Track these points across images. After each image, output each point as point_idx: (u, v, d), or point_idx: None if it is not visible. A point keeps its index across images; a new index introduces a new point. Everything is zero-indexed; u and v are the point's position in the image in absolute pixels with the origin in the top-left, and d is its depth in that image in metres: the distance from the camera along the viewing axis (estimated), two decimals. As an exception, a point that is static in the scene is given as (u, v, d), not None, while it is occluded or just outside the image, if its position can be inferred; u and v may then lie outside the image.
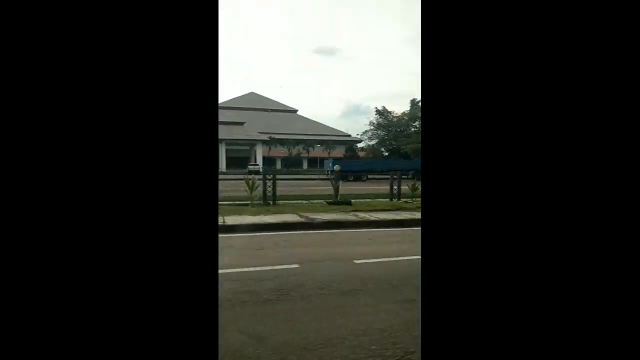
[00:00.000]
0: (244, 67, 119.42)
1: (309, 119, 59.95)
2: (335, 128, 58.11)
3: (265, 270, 4.01)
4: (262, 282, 3.56)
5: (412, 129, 43.85)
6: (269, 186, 9.83)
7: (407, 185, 10.89)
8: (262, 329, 2.59)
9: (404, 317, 2.80)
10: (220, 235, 4.55)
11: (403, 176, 12.75)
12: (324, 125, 58.41)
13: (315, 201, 10.13)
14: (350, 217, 7.55)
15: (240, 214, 7.59)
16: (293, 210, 8.28)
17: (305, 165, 49.37)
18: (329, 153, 48.48)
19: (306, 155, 48.89)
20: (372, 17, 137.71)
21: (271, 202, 9.52)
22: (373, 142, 48.13)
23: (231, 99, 61.58)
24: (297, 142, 48.51)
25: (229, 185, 13.72)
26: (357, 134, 51.26)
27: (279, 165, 47.91)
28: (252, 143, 45.07)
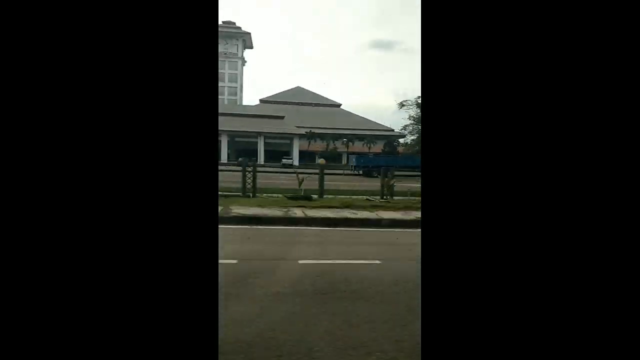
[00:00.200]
0: (298, 60, 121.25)
1: (352, 114, 59.38)
2: (381, 123, 56.95)
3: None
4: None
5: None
6: (249, 178, 9.92)
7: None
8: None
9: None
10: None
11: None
12: (367, 119, 57.53)
13: (279, 195, 9.94)
14: (278, 212, 7.27)
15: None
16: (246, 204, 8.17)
17: (344, 160, 49.01)
18: (369, 148, 47.92)
19: (345, 149, 48.47)
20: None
21: (250, 195, 9.62)
22: (413, 137, 46.63)
23: (275, 94, 62.85)
24: (338, 136, 48.26)
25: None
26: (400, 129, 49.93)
27: (317, 160, 47.96)
28: (290, 137, 45.47)
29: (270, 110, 49.93)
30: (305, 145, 47.07)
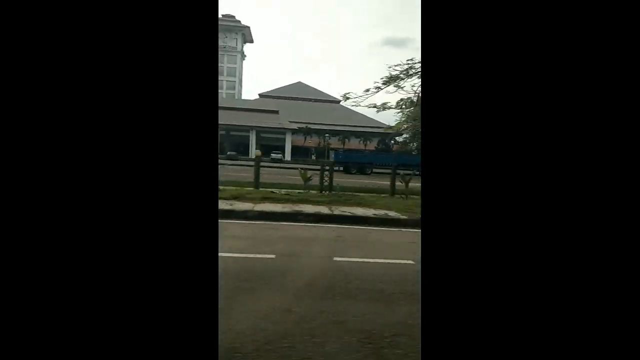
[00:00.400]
0: (299, 57, 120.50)
1: (351, 110, 58.67)
2: (379, 120, 56.25)
3: None
4: None
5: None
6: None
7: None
8: None
9: None
10: None
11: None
12: (365, 116, 56.77)
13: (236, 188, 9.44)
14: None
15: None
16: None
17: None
18: (365, 145, 47.43)
19: (341, 146, 47.94)
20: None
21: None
22: (406, 135, 45.85)
23: (275, 89, 62.33)
24: (335, 132, 47.71)
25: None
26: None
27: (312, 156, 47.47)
28: (283, 132, 45.05)
29: (269, 105, 49.42)
30: (301, 140, 46.72)
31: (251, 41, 73.81)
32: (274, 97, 56.93)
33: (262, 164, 10.07)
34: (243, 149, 42.44)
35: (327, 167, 10.65)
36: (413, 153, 30.49)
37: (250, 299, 2.91)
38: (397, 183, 10.41)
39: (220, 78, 62.21)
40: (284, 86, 63.61)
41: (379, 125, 54.98)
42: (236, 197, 7.54)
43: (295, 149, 45.85)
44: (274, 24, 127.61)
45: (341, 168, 26.36)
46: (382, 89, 10.95)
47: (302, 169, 11.04)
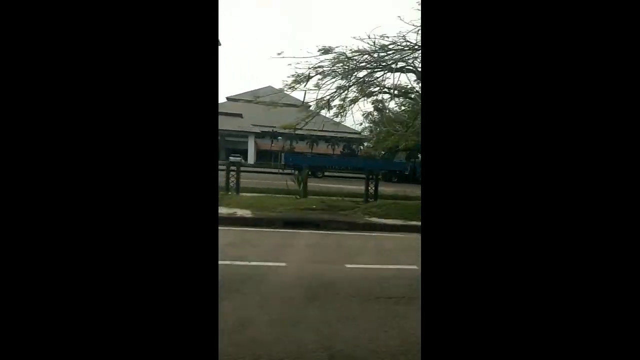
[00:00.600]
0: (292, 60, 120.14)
1: (322, 115, 58.37)
2: (348, 125, 56.08)
3: None
4: None
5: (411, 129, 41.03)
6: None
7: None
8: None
9: None
10: None
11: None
12: (335, 121, 56.59)
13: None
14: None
15: None
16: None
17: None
18: (333, 149, 47.12)
19: (309, 150, 47.44)
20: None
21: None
22: (370, 141, 45.78)
23: (243, 92, 61.30)
24: (302, 137, 47.17)
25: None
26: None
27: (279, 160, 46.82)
28: (245, 135, 44.34)
29: (228, 108, 48.40)
30: (267, 144, 45.99)
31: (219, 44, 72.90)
32: (245, 101, 56.02)
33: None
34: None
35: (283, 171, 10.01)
36: (376, 158, 30.61)
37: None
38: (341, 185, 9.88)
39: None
40: (254, 90, 62.75)
41: (349, 131, 55.06)
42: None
43: (262, 153, 45.13)
44: (245, 26, 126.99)
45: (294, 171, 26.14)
46: (296, 89, 10.52)
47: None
